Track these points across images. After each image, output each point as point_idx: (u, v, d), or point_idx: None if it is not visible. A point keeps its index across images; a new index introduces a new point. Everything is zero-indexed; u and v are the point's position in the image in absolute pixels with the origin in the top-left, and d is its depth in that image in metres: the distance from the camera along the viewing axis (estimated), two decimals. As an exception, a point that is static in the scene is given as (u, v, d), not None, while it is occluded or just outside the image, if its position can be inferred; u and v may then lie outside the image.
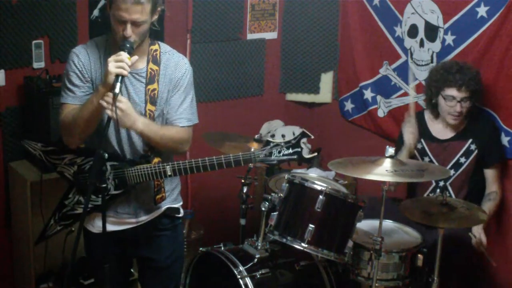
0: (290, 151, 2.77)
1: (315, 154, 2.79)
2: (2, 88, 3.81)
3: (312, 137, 2.78)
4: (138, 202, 3.01)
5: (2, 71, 3.79)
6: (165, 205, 3.08)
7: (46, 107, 3.66)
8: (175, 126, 2.96)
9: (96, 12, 4.03)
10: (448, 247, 3.36)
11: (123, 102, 2.73)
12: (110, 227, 2.96)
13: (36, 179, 3.71)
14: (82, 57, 2.90)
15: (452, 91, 3.65)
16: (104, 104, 2.70)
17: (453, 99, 3.67)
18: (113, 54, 2.82)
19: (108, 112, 2.70)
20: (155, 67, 2.93)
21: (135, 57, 2.78)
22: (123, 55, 2.72)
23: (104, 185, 2.72)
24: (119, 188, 2.91)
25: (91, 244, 3.11)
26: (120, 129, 2.91)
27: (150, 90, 2.91)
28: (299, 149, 2.76)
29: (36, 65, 3.88)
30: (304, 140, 2.77)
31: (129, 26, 2.75)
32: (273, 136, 2.81)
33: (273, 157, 2.77)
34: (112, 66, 2.70)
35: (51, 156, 3.02)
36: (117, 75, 2.69)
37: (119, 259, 3.12)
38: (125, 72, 2.71)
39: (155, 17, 2.86)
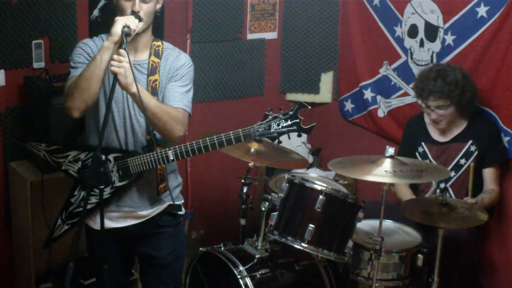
0: (289, 122, 2.77)
1: (314, 124, 2.79)
2: (2, 88, 3.81)
3: (309, 107, 2.79)
4: (141, 195, 3.03)
5: (2, 71, 3.79)
6: (166, 202, 3.10)
7: (46, 107, 3.65)
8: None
9: (96, 12, 4.03)
10: (448, 247, 3.36)
11: (125, 59, 2.76)
12: (112, 224, 2.98)
13: (36, 179, 3.71)
14: (90, 45, 2.98)
15: (427, 101, 3.69)
16: (115, 57, 2.75)
17: (427, 108, 3.71)
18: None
19: (114, 68, 2.74)
20: (156, 60, 2.98)
21: (141, 24, 2.85)
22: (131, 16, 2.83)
23: (102, 187, 2.73)
24: (123, 179, 2.93)
25: (93, 241, 3.12)
26: (124, 122, 2.95)
27: (152, 81, 2.96)
28: (298, 120, 2.77)
29: (36, 65, 3.87)
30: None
31: (138, 0, 2.85)
32: (270, 110, 2.81)
33: (272, 130, 2.77)
34: (121, 18, 2.79)
35: (55, 155, 3.04)
36: (123, 33, 2.76)
37: (121, 256, 3.14)
38: (132, 25, 2.78)
39: (159, 5, 2.96)
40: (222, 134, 2.80)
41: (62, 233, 3.09)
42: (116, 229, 3.01)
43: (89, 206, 2.94)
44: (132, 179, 2.94)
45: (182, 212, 3.19)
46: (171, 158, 2.86)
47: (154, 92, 2.95)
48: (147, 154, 2.89)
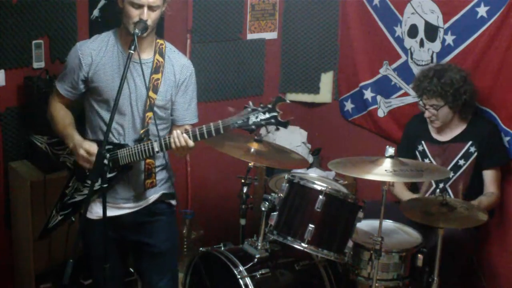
0: (267, 115, 2.83)
1: (292, 118, 2.88)
2: (2, 88, 3.81)
3: (288, 101, 2.88)
4: (134, 187, 3.10)
5: (2, 71, 3.79)
6: (160, 192, 3.17)
7: (46, 107, 3.65)
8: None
9: (96, 12, 4.03)
10: (448, 247, 3.36)
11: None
12: (107, 212, 2.99)
13: (36, 179, 3.71)
14: (86, 53, 3.04)
15: (422, 99, 3.74)
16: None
17: (423, 105, 3.74)
18: (123, 44, 3.01)
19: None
20: (160, 59, 3.07)
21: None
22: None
23: (105, 185, 2.76)
24: (112, 171, 3.00)
25: (89, 230, 3.13)
26: (125, 118, 3.03)
27: (154, 79, 3.03)
28: (276, 114, 2.82)
29: (36, 65, 3.88)
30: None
31: (146, 9, 2.90)
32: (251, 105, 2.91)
33: (250, 122, 2.83)
34: (81, 158, 2.98)
35: (55, 148, 3.15)
36: (134, 34, 2.88)
37: (117, 246, 3.17)
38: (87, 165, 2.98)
39: (164, 8, 3.04)
40: (204, 126, 2.89)
41: (56, 224, 3.17)
42: (111, 218, 3.03)
43: (81, 198, 3.06)
44: (120, 170, 3.01)
45: (175, 202, 3.24)
46: (156, 149, 2.95)
47: (154, 90, 3.02)
48: (134, 147, 2.97)
